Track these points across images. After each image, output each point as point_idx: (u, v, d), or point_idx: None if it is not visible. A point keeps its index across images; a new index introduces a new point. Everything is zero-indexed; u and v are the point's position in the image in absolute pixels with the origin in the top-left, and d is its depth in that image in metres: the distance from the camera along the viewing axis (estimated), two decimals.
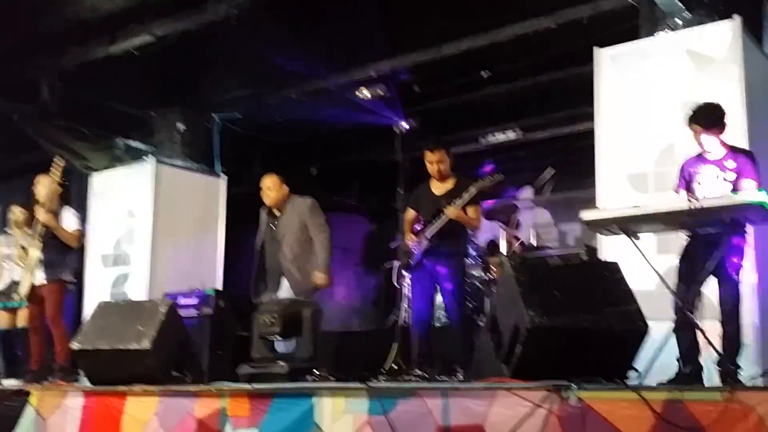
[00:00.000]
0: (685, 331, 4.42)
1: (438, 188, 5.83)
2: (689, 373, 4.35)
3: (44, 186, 6.58)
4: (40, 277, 6.49)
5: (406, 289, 6.03)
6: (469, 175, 5.91)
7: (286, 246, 6.15)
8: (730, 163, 4.54)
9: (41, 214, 6.38)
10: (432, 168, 5.78)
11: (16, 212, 7.04)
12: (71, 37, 7.79)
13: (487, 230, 9.92)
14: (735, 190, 4.42)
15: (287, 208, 6.27)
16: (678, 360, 4.43)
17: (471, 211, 5.67)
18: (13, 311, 7.18)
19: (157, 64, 7.83)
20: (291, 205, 6.26)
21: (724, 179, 4.52)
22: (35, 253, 6.45)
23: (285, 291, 6.16)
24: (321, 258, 6.09)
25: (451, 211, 5.55)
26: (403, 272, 5.93)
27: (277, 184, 6.27)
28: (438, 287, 5.74)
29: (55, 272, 6.46)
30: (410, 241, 5.77)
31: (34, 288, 6.49)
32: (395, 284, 6.14)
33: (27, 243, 6.66)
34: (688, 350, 4.43)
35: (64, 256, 6.51)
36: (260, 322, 5.25)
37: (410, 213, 5.99)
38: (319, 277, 6.05)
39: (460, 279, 5.80)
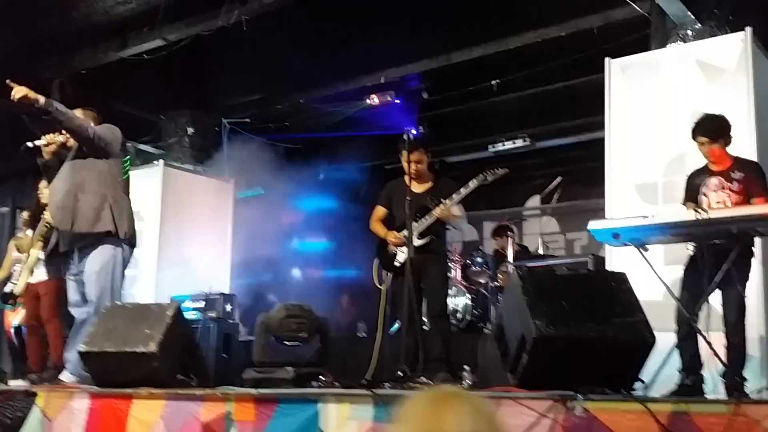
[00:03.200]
0: (688, 342, 4.42)
1: (417, 187, 5.64)
2: (691, 384, 4.34)
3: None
4: (38, 275, 6.48)
5: (391, 290, 5.70)
6: (446, 174, 5.79)
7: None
8: (736, 174, 4.54)
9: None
10: (410, 168, 5.57)
11: (24, 215, 7.18)
12: (83, 39, 7.85)
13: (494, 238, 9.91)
14: (741, 201, 4.42)
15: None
16: (680, 371, 4.43)
17: (455, 209, 5.56)
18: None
19: (168, 68, 7.87)
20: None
21: (730, 190, 4.52)
22: (35, 252, 6.46)
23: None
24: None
25: (439, 211, 5.45)
26: (387, 273, 5.68)
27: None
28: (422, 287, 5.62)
29: (55, 271, 6.43)
30: (394, 239, 5.60)
31: (29, 286, 6.48)
32: (377, 285, 5.77)
33: (23, 243, 6.74)
34: (691, 361, 4.43)
35: (66, 255, 6.52)
36: (281, 325, 5.14)
37: (380, 210, 5.84)
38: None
39: (444, 278, 5.76)
